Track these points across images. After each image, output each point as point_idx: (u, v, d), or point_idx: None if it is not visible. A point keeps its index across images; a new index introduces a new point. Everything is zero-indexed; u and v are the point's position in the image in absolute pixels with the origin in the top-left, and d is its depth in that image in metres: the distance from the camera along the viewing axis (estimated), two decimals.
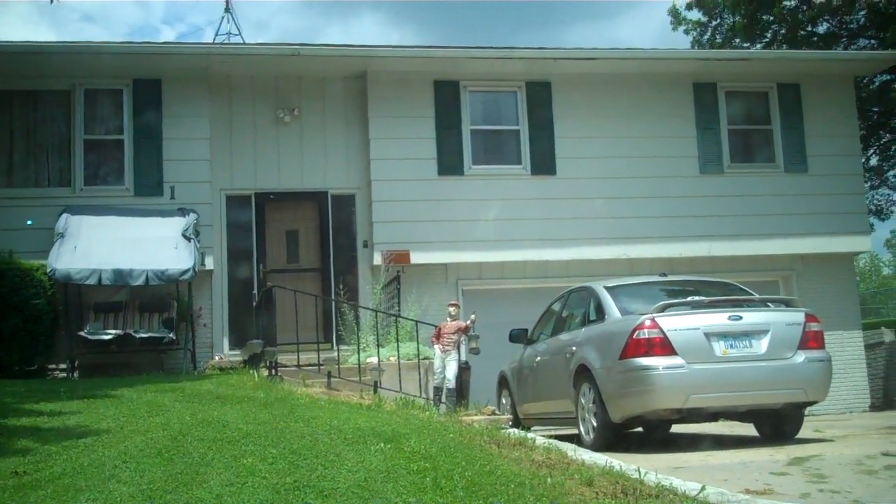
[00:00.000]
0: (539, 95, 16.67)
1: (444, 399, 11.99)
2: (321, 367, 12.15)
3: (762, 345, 9.25)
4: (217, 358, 14.65)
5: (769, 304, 10.28)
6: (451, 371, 12.23)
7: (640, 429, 10.32)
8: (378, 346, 12.64)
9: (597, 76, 16.83)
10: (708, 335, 9.15)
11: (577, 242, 16.08)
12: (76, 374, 13.61)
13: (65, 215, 14.19)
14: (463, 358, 12.46)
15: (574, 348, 10.20)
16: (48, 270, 13.17)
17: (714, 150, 17.02)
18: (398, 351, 12.26)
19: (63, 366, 13.70)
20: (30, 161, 15.16)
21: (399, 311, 13.89)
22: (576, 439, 9.46)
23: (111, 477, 6.17)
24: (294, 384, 11.29)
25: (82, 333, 13.60)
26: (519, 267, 16.13)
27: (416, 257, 15.55)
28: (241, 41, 24.33)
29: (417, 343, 12.56)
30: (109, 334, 13.63)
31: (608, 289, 10.37)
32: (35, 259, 13.52)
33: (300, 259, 16.02)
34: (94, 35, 50.12)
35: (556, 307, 11.83)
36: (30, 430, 7.84)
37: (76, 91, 15.26)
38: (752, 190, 16.91)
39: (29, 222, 14.52)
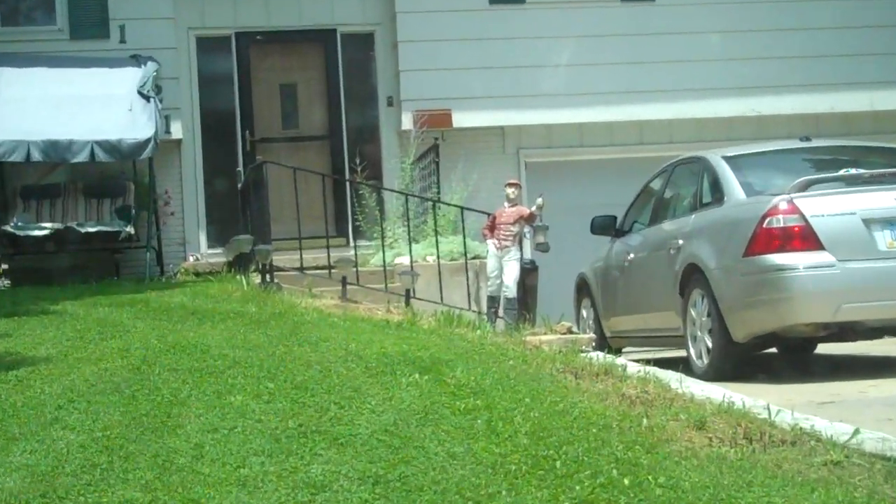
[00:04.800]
0: None
1: (501, 312, 12.07)
2: (333, 272, 12.25)
3: None
4: (192, 259, 14.89)
5: None
6: (511, 275, 12.26)
7: (772, 350, 10.33)
8: (410, 241, 12.70)
9: None
10: (867, 222, 9.04)
11: (685, 95, 15.93)
12: (4, 283, 13.88)
13: None
14: (527, 256, 12.49)
15: (681, 242, 10.16)
16: None
17: None
18: (437, 248, 12.30)
19: None
20: None
21: (438, 194, 13.91)
22: (683, 366, 9.49)
23: (54, 421, 6.30)
24: (297, 294, 11.41)
25: (8, 228, 13.82)
26: (604, 130, 16.04)
27: (461, 119, 15.49)
28: None
29: (464, 237, 12.60)
30: (45, 228, 13.85)
31: (728, 159, 10.25)
32: None
33: (300, 124, 16.05)
34: None
35: (657, 185, 11.77)
36: None
37: None
38: None
39: None
